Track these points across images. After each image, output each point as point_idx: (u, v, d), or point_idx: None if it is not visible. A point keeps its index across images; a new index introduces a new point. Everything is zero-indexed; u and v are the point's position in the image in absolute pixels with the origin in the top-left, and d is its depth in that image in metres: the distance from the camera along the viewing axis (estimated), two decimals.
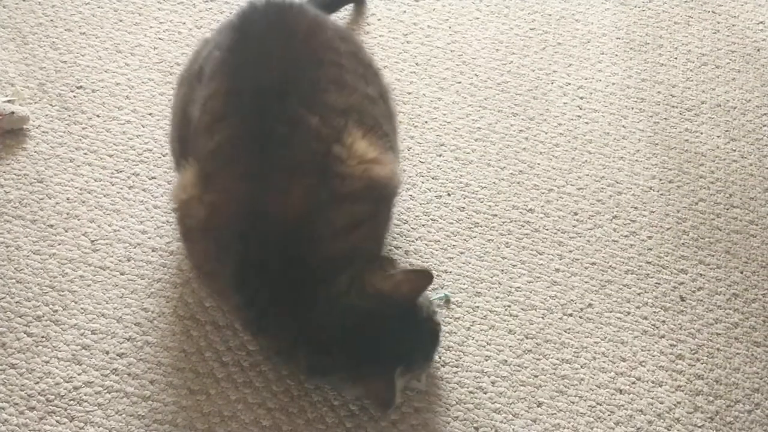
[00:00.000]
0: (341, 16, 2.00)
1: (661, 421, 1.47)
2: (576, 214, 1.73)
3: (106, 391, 1.44)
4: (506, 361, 1.52)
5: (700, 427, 1.47)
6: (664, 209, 1.75)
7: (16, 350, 1.47)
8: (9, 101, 1.77)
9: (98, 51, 1.90)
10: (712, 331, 1.59)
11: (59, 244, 1.60)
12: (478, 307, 1.58)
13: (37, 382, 1.44)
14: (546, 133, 1.85)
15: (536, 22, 2.07)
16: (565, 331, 1.56)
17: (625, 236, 1.70)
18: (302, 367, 1.41)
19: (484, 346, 1.53)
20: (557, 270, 1.64)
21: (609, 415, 1.47)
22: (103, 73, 1.87)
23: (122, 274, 1.57)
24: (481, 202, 1.73)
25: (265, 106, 1.34)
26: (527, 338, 1.55)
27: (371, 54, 1.57)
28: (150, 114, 1.80)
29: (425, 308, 1.38)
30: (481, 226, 1.69)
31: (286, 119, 1.33)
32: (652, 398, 1.50)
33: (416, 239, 1.66)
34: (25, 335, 1.49)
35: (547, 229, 1.70)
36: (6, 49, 1.89)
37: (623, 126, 1.89)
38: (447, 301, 1.58)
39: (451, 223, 1.69)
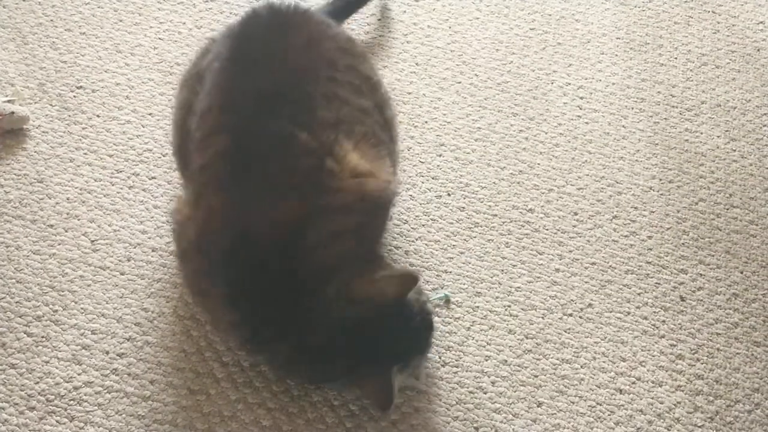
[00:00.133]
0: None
1: (661, 421, 1.47)
2: (576, 214, 1.73)
3: (106, 391, 1.44)
4: (506, 361, 1.52)
5: (700, 427, 1.47)
6: (664, 209, 1.75)
7: (16, 350, 1.47)
8: (9, 101, 1.77)
9: (98, 51, 1.90)
10: (712, 331, 1.59)
11: (59, 244, 1.60)
12: (478, 307, 1.58)
13: (37, 382, 1.44)
14: (546, 133, 1.85)
15: (536, 22, 2.07)
16: (565, 331, 1.56)
17: (625, 236, 1.70)
18: (304, 377, 1.41)
19: (484, 346, 1.53)
20: (557, 270, 1.64)
21: (609, 415, 1.47)
22: (103, 73, 1.87)
23: (122, 274, 1.57)
24: (481, 202, 1.73)
25: (255, 122, 1.34)
26: (527, 338, 1.55)
27: (373, 64, 1.56)
28: (150, 114, 1.80)
29: (416, 301, 1.38)
30: (481, 226, 1.69)
31: (274, 135, 1.33)
32: (652, 398, 1.50)
33: (416, 239, 1.66)
34: (25, 335, 1.49)
35: (547, 229, 1.70)
36: (6, 49, 1.89)
37: (623, 126, 1.89)
38: (447, 301, 1.58)
39: (451, 223, 1.69)
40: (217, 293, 1.34)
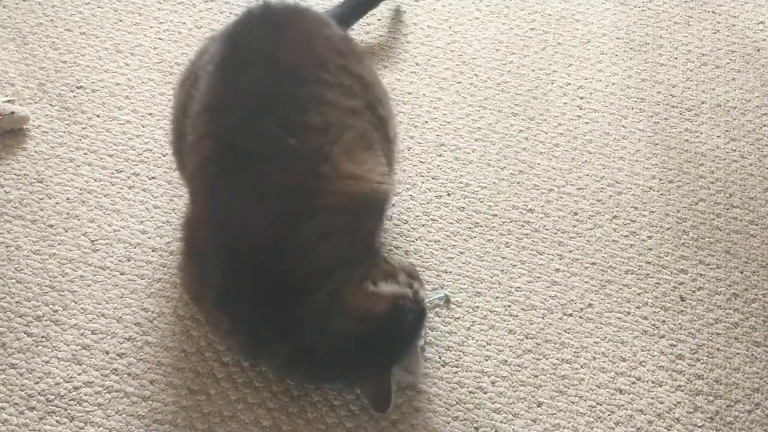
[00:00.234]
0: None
1: (661, 421, 1.47)
2: (576, 214, 1.73)
3: (106, 391, 1.44)
4: (506, 361, 1.52)
5: (700, 427, 1.47)
6: (664, 209, 1.75)
7: (16, 350, 1.47)
8: (9, 101, 1.77)
9: (98, 51, 1.90)
10: (712, 331, 1.59)
11: (59, 244, 1.60)
12: (478, 307, 1.58)
13: (37, 382, 1.44)
14: (546, 133, 1.85)
15: (536, 22, 2.07)
16: (565, 331, 1.56)
17: (625, 236, 1.70)
18: (304, 378, 1.42)
19: (484, 346, 1.53)
20: (557, 270, 1.64)
21: (609, 415, 1.47)
22: (103, 73, 1.87)
23: (122, 274, 1.57)
24: (481, 202, 1.73)
25: (244, 126, 1.34)
26: (527, 338, 1.55)
27: (368, 64, 1.54)
28: (150, 114, 1.80)
29: (412, 293, 1.38)
30: (481, 226, 1.69)
31: (262, 139, 1.33)
32: (652, 398, 1.50)
33: (416, 239, 1.66)
34: (25, 335, 1.49)
35: (547, 229, 1.70)
36: (6, 49, 1.89)
37: (623, 126, 1.89)
38: (447, 301, 1.58)
39: (451, 223, 1.69)
40: (212, 297, 1.34)
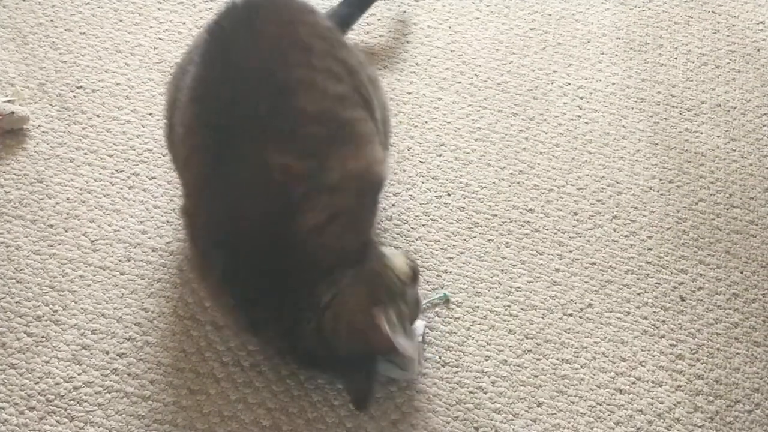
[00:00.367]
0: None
1: (661, 421, 1.47)
2: (576, 214, 1.73)
3: (106, 391, 1.44)
4: (506, 361, 1.52)
5: (700, 427, 1.47)
6: (664, 209, 1.75)
7: (16, 350, 1.47)
8: (9, 101, 1.77)
9: (98, 51, 1.90)
10: (712, 331, 1.59)
11: (59, 244, 1.60)
12: (478, 307, 1.58)
13: (37, 382, 1.44)
14: (546, 133, 1.85)
15: (536, 22, 2.07)
16: (565, 331, 1.56)
17: (625, 236, 1.70)
18: (294, 363, 1.44)
19: (484, 346, 1.53)
20: (557, 270, 1.64)
21: (609, 415, 1.47)
22: (103, 73, 1.87)
23: (122, 274, 1.57)
24: (481, 202, 1.73)
25: (231, 111, 1.35)
26: (527, 338, 1.55)
27: (354, 51, 1.55)
28: (150, 114, 1.80)
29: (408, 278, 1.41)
30: (481, 226, 1.69)
31: (251, 122, 1.34)
32: (652, 398, 1.50)
33: (416, 239, 1.66)
34: (25, 335, 1.49)
35: (547, 229, 1.70)
36: (6, 49, 1.89)
37: (623, 126, 1.89)
38: (447, 301, 1.58)
39: (451, 223, 1.69)
40: (215, 273, 1.36)
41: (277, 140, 1.33)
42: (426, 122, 1.85)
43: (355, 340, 1.33)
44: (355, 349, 1.34)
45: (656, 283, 1.64)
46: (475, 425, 1.44)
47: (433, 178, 1.76)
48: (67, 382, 1.44)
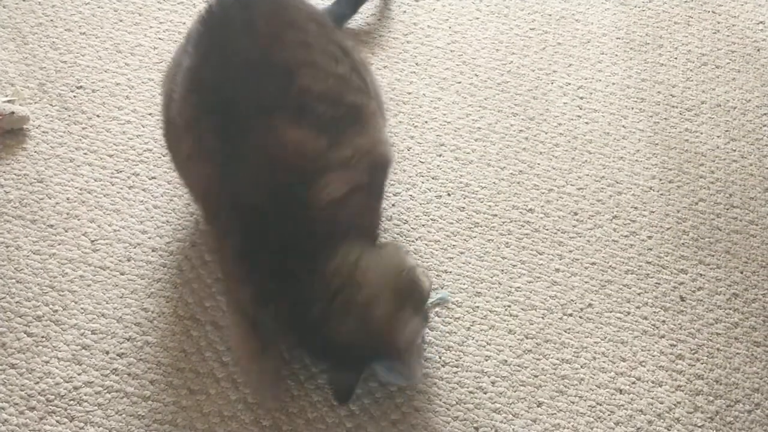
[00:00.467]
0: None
1: (661, 421, 1.47)
2: (576, 214, 1.73)
3: (106, 391, 1.44)
4: (506, 361, 1.52)
5: (700, 427, 1.47)
6: (664, 209, 1.75)
7: (16, 350, 1.47)
8: (9, 101, 1.77)
9: (98, 51, 1.90)
10: (712, 331, 1.59)
11: (59, 244, 1.60)
12: (478, 307, 1.58)
13: (37, 382, 1.44)
14: (546, 133, 1.85)
15: (536, 22, 2.07)
16: (565, 331, 1.56)
17: (625, 236, 1.70)
18: (292, 344, 1.44)
19: (484, 346, 1.53)
20: (557, 270, 1.64)
21: (609, 415, 1.47)
22: (103, 73, 1.87)
23: (122, 274, 1.57)
24: (481, 202, 1.73)
25: (235, 93, 1.35)
26: (527, 338, 1.55)
27: (344, 35, 1.57)
28: (150, 114, 1.80)
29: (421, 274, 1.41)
30: (481, 226, 1.69)
31: (257, 102, 1.34)
32: (652, 398, 1.50)
33: (416, 239, 1.66)
34: (25, 335, 1.49)
35: (547, 229, 1.70)
36: (6, 49, 1.89)
37: (623, 126, 1.89)
38: (447, 301, 1.58)
39: (451, 223, 1.69)
40: (229, 246, 1.36)
41: (288, 117, 1.34)
42: (426, 122, 1.85)
43: (361, 334, 1.31)
44: (356, 342, 1.32)
45: (656, 283, 1.64)
46: (475, 425, 1.44)
47: (433, 178, 1.76)
48: (67, 382, 1.44)
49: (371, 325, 1.31)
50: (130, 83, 1.85)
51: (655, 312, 1.60)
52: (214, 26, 1.42)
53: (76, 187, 1.68)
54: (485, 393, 1.48)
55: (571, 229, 1.70)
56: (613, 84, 1.96)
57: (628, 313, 1.59)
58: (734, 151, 1.86)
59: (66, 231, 1.62)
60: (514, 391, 1.48)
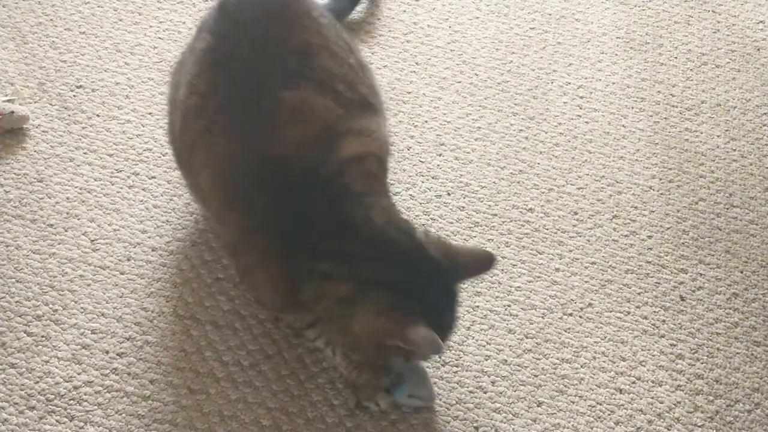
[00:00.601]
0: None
1: (661, 420, 1.47)
2: (576, 213, 1.73)
3: (106, 390, 1.44)
4: (506, 360, 1.52)
5: (700, 426, 1.47)
6: (664, 209, 1.75)
7: (15, 350, 1.47)
8: (9, 101, 1.77)
9: (98, 50, 1.90)
10: (712, 330, 1.59)
11: (59, 244, 1.60)
12: (478, 306, 1.58)
13: (37, 382, 1.44)
14: (546, 133, 1.85)
15: (536, 22, 2.07)
16: (565, 331, 1.56)
17: (625, 236, 1.70)
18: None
19: (484, 346, 1.53)
20: (557, 270, 1.64)
21: (609, 414, 1.47)
22: (103, 72, 1.87)
23: (122, 273, 1.57)
24: (481, 201, 1.73)
25: (262, 72, 1.39)
26: (527, 338, 1.55)
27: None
28: (150, 114, 1.80)
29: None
30: (481, 226, 1.69)
31: (279, 76, 1.39)
32: (652, 398, 1.50)
33: None
34: (25, 335, 1.49)
35: (547, 229, 1.70)
36: (6, 49, 1.89)
37: (623, 125, 1.89)
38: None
39: (451, 223, 1.69)
40: (249, 217, 1.37)
41: (314, 86, 1.39)
42: (426, 122, 1.85)
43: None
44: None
45: (656, 282, 1.64)
46: (475, 425, 1.44)
47: (433, 178, 1.76)
48: (67, 381, 1.44)
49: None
50: (129, 83, 1.85)
51: (655, 311, 1.60)
52: (231, 12, 1.45)
53: (76, 187, 1.68)
54: (485, 392, 1.48)
55: (571, 229, 1.70)
56: (613, 83, 1.96)
57: (628, 313, 1.59)
58: (734, 150, 1.86)
59: (66, 230, 1.62)
60: (514, 391, 1.48)
